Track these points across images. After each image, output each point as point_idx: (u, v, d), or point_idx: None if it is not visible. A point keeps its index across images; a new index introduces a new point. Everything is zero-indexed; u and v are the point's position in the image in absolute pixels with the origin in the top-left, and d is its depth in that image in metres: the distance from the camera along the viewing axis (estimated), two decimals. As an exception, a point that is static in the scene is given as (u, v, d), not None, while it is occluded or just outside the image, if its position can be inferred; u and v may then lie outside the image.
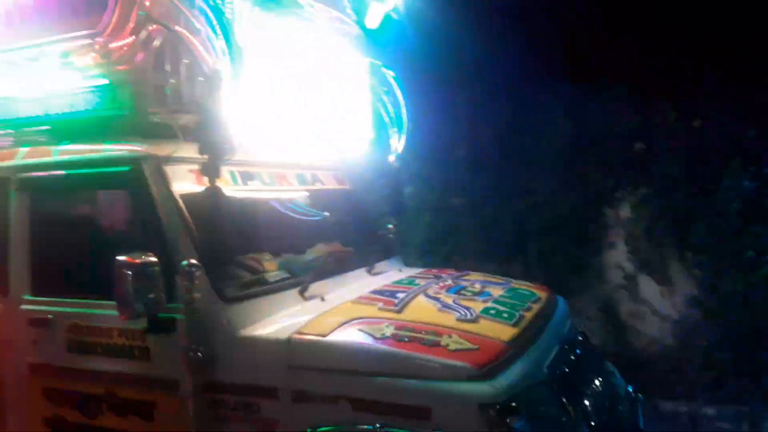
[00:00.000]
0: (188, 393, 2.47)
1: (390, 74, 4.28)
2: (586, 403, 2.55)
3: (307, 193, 3.71)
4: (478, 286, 3.25)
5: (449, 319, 2.62)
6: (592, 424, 2.55)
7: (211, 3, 2.49)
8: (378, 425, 2.17)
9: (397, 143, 4.29)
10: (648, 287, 5.37)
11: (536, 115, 5.84)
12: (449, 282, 3.32)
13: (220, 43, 2.47)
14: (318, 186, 3.79)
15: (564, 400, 2.39)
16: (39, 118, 2.96)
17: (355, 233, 3.93)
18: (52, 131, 2.97)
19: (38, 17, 2.86)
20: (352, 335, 2.41)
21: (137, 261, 2.37)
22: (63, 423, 2.84)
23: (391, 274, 3.58)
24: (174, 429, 2.53)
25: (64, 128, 2.92)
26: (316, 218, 3.64)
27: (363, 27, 4.11)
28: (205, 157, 2.49)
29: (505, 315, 2.77)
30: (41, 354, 2.87)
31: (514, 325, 2.67)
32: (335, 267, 3.29)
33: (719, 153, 5.21)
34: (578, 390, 2.64)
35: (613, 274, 5.48)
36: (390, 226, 4.37)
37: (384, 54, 4.40)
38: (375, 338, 2.37)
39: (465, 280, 3.43)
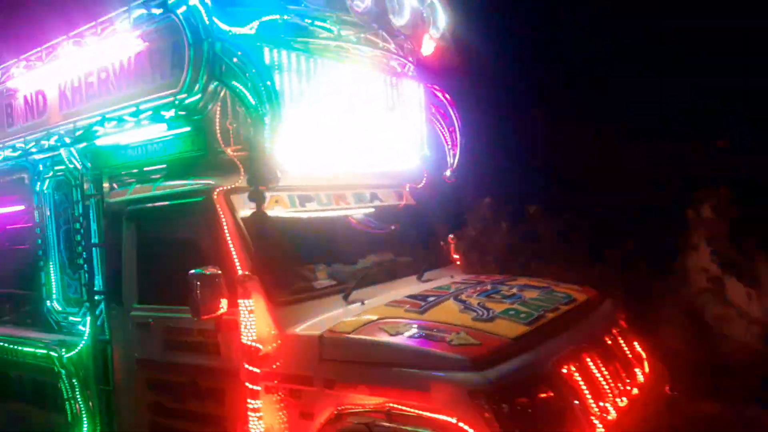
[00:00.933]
0: (249, 382, 3.00)
1: (443, 96, 4.64)
2: (590, 398, 2.71)
3: (364, 210, 4.16)
4: (513, 290, 3.50)
5: (466, 319, 2.94)
6: (605, 416, 2.72)
7: (258, 64, 3.05)
8: (389, 407, 2.54)
9: (452, 159, 4.63)
10: (734, 289, 5.16)
11: (614, 121, 5.85)
12: (487, 287, 3.60)
13: (263, 92, 3.01)
14: (376, 203, 4.23)
15: (561, 392, 2.60)
16: (141, 162, 3.72)
17: (411, 244, 4.31)
18: (151, 171, 3.71)
19: (135, 82, 3.60)
20: (371, 333, 2.81)
21: (205, 273, 2.97)
22: (162, 408, 3.51)
23: (439, 280, 3.91)
24: (241, 412, 3.07)
25: (159, 168, 3.64)
26: (371, 231, 4.08)
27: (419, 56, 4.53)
28: (259, 185, 3.04)
29: (523, 315, 3.03)
30: (144, 351, 3.58)
31: (528, 324, 2.92)
32: (384, 275, 3.71)
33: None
34: (590, 385, 2.81)
35: (697, 277, 5.32)
36: (450, 236, 4.71)
37: (447, 77, 4.78)
38: (389, 335, 2.76)
39: (505, 284, 3.68)
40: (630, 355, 3.35)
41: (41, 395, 4.08)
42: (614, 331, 3.39)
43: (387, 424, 2.54)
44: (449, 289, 3.55)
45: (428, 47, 4.49)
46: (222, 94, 3.27)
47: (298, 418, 2.86)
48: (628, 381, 3.12)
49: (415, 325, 2.85)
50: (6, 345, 4.35)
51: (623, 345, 3.37)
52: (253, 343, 2.99)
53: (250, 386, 2.99)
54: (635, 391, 3.10)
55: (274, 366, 2.98)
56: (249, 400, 2.99)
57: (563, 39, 5.64)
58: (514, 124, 6.17)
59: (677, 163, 5.40)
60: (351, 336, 2.82)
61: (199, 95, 3.19)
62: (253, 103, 3.02)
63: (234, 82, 3.11)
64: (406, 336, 2.74)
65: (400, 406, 2.53)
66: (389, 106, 4.17)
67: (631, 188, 5.58)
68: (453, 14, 4.40)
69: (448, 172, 4.60)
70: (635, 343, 3.62)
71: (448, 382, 2.47)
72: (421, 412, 2.48)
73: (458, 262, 4.59)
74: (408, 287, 3.66)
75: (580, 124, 5.96)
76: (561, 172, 5.96)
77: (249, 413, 2.99)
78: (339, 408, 2.70)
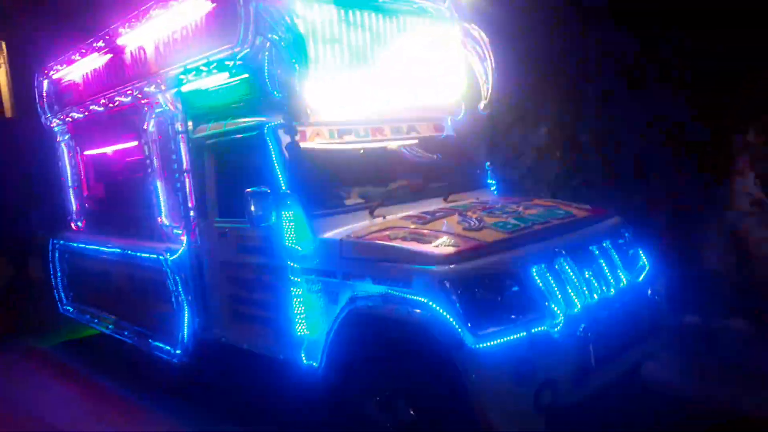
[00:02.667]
0: (293, 275, 3.88)
1: (479, 32, 5.04)
2: (556, 293, 3.27)
3: (401, 141, 4.78)
4: (518, 207, 4.05)
5: (458, 228, 3.57)
6: (568, 308, 3.28)
7: (288, 21, 3.72)
8: (386, 289, 3.28)
9: (486, 93, 5.08)
10: (777, 213, 5.24)
11: (662, 46, 5.89)
12: (497, 205, 4.17)
13: (293, 44, 3.71)
14: (413, 134, 4.84)
15: (525, 286, 3.19)
16: (216, 103, 4.59)
17: (445, 170, 4.90)
18: (224, 111, 4.56)
19: (206, 38, 4.40)
20: (377, 237, 3.53)
21: (257, 191, 3.81)
22: (238, 298, 4.51)
23: (463, 201, 4.50)
24: (288, 300, 3.95)
25: (229, 108, 4.49)
26: (406, 159, 4.72)
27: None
28: (294, 121, 3.80)
29: (510, 226, 3.60)
30: (224, 254, 4.56)
31: (509, 232, 3.49)
32: (411, 196, 4.38)
33: None
34: (571, 283, 3.37)
35: (741, 201, 5.44)
36: (487, 164, 5.23)
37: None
38: (389, 238, 3.46)
39: (517, 204, 4.22)
40: (618, 263, 3.79)
41: (155, 289, 5.26)
42: (606, 242, 3.83)
43: (384, 304, 3.29)
44: (464, 208, 4.15)
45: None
46: (268, 45, 3.99)
47: (327, 302, 3.69)
48: (606, 284, 3.60)
49: (413, 232, 3.53)
50: (131, 252, 5.59)
51: (614, 254, 3.81)
52: (294, 246, 3.84)
53: (294, 278, 3.87)
54: (611, 292, 3.59)
55: (311, 263, 3.80)
56: (293, 289, 3.87)
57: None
58: (564, 53, 6.34)
59: (724, 89, 5.40)
60: (361, 239, 3.56)
61: (249, 48, 3.93)
62: (286, 53, 3.73)
63: (273, 36, 3.82)
64: (402, 239, 3.43)
65: (392, 292, 3.26)
66: (425, 45, 4.70)
67: (681, 114, 5.67)
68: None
69: (482, 105, 5.06)
70: (635, 254, 4.05)
71: (425, 272, 3.15)
72: (406, 295, 3.19)
73: (493, 187, 5.13)
74: (430, 206, 4.30)
75: (637, 51, 6.03)
76: (612, 98, 6.12)
77: (293, 299, 3.88)
78: (353, 294, 3.49)
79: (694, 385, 4.48)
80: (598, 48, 6.22)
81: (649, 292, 3.79)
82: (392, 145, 4.74)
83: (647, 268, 4.05)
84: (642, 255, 4.12)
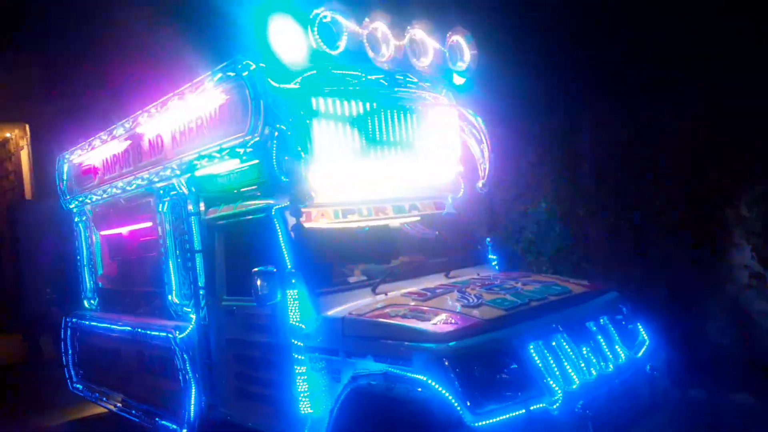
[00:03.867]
0: (297, 353, 3.97)
1: (474, 117, 5.33)
2: (554, 370, 3.34)
3: (402, 219, 4.98)
4: (516, 284, 4.17)
5: (456, 306, 3.68)
6: (567, 385, 3.33)
7: (294, 111, 4.02)
8: (387, 367, 3.36)
9: (483, 172, 5.31)
10: (777, 285, 5.31)
11: (652, 123, 6.16)
12: (496, 281, 4.30)
13: (298, 133, 3.99)
14: (414, 212, 5.04)
15: (524, 363, 3.26)
16: (227, 186, 4.85)
17: (446, 247, 5.06)
18: (234, 194, 4.80)
19: (219, 127, 4.70)
20: (378, 315, 3.65)
21: (263, 270, 3.97)
22: (244, 376, 4.58)
23: (463, 277, 4.63)
24: (292, 379, 4.02)
25: (239, 192, 4.73)
26: (407, 237, 4.90)
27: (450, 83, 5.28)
28: (299, 203, 4.01)
29: (507, 303, 3.71)
30: (231, 332, 4.68)
31: (507, 309, 3.60)
32: (413, 272, 4.53)
33: None
34: (569, 360, 3.44)
35: (739, 274, 5.52)
36: (488, 239, 5.39)
37: (480, 97, 5.48)
38: (390, 316, 3.58)
39: (515, 280, 4.34)
40: (617, 339, 3.86)
41: (163, 367, 5.34)
42: (604, 318, 3.91)
43: (384, 383, 3.36)
44: (464, 284, 4.28)
45: (458, 79, 5.24)
46: (276, 134, 4.27)
47: (330, 380, 3.76)
48: (605, 360, 3.66)
49: (414, 310, 3.65)
50: (141, 330, 5.71)
51: (612, 330, 3.89)
52: (298, 324, 3.96)
53: (298, 356, 3.96)
54: (610, 368, 3.64)
55: (314, 341, 3.90)
56: (297, 367, 3.96)
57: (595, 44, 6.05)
58: (558, 133, 6.64)
59: (718, 164, 5.61)
60: (363, 317, 3.68)
61: (259, 136, 4.21)
62: (292, 141, 4.00)
63: (280, 126, 4.10)
64: (402, 316, 3.55)
65: (392, 370, 3.35)
66: (425, 129, 4.98)
67: (674, 189, 5.86)
68: (478, 48, 5.11)
69: (480, 184, 5.28)
70: (634, 329, 4.12)
71: (424, 350, 3.25)
72: (406, 373, 3.27)
73: (494, 263, 5.27)
74: (432, 282, 4.43)
75: (630, 131, 6.31)
76: (607, 177, 6.34)
77: (297, 377, 3.95)
78: (355, 372, 3.57)
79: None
80: (591, 127, 6.50)
81: (649, 367, 3.84)
82: (394, 223, 4.93)
83: (647, 343, 4.11)
84: (641, 330, 4.18)
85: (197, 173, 4.98)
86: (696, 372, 5.10)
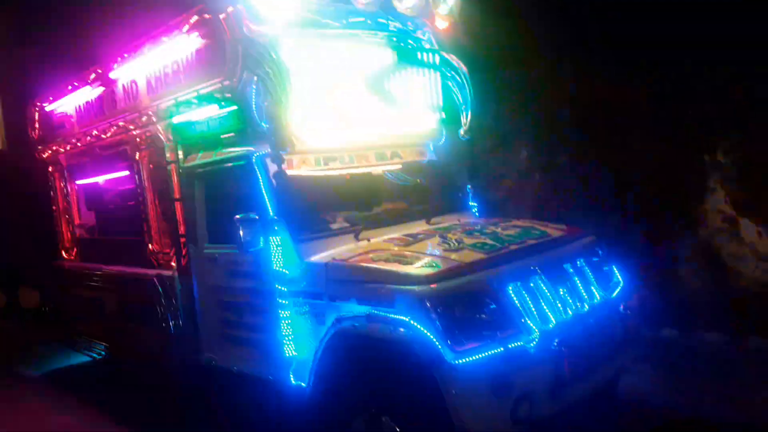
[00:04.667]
0: (281, 298, 4.02)
1: (457, 62, 5.26)
2: (532, 310, 3.44)
3: (385, 167, 4.96)
4: (496, 228, 4.24)
5: (439, 249, 3.74)
6: (543, 324, 3.44)
7: (274, 55, 3.93)
8: (370, 310, 3.43)
9: (466, 119, 5.29)
10: (747, 229, 5.47)
11: (632, 71, 6.17)
12: (477, 226, 4.36)
13: (278, 78, 3.91)
14: (396, 160, 5.03)
15: (502, 303, 3.36)
16: (206, 134, 4.77)
17: (428, 194, 5.09)
18: (213, 141, 4.74)
19: (196, 72, 4.59)
20: (362, 260, 3.70)
21: (246, 217, 3.96)
22: (228, 322, 4.63)
23: (445, 223, 4.68)
24: (277, 323, 4.08)
25: (219, 139, 4.66)
26: (390, 184, 4.90)
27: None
28: (280, 151, 3.98)
29: (487, 247, 3.78)
30: (213, 279, 4.70)
31: (487, 252, 3.67)
32: (395, 219, 4.56)
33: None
34: (546, 300, 3.55)
35: (713, 218, 5.67)
36: (468, 186, 5.43)
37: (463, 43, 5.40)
38: (373, 261, 3.63)
39: (495, 225, 4.40)
40: (593, 280, 3.97)
41: (146, 315, 5.35)
42: (580, 261, 4.01)
43: (367, 325, 3.44)
44: (445, 229, 4.33)
45: (441, 23, 5.15)
46: (255, 79, 4.18)
47: (315, 323, 3.83)
48: (580, 300, 3.78)
49: (396, 254, 3.70)
50: (122, 279, 5.72)
51: (588, 272, 4.00)
52: (282, 269, 3.99)
53: (282, 301, 4.01)
54: (585, 308, 3.76)
55: (298, 286, 3.95)
56: (281, 311, 4.01)
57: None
58: (539, 81, 6.63)
59: (695, 110, 5.67)
60: (346, 262, 3.73)
61: (237, 81, 4.13)
62: (272, 86, 3.93)
63: (259, 71, 4.02)
64: (385, 261, 3.60)
65: (376, 312, 3.42)
66: (407, 74, 4.92)
67: (652, 136, 5.92)
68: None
69: (462, 131, 5.27)
70: (610, 271, 4.24)
71: (407, 292, 3.31)
72: (389, 315, 3.35)
73: (474, 209, 5.32)
74: (414, 228, 4.47)
75: (609, 78, 6.31)
76: (587, 124, 6.37)
77: (282, 321, 4.02)
78: (339, 314, 3.63)
79: (671, 397, 4.65)
80: (572, 76, 6.49)
81: (623, 307, 3.97)
82: (377, 170, 4.92)
83: (621, 284, 4.23)
84: (616, 272, 4.30)
85: (175, 120, 4.89)
86: (669, 312, 5.29)
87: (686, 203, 5.79)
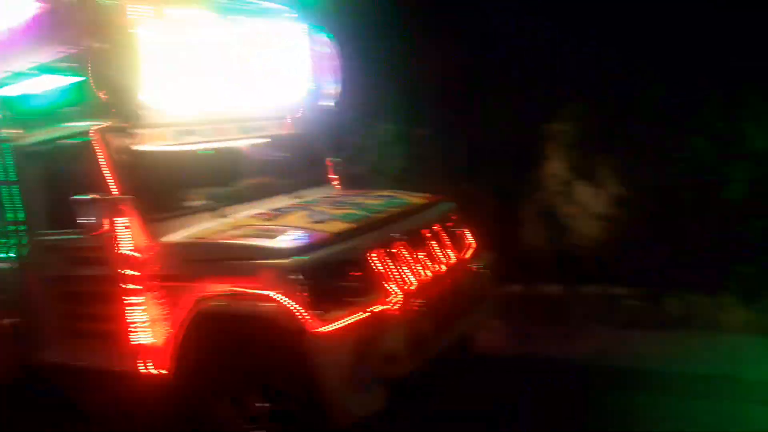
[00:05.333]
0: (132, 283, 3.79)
1: (321, 33, 5.22)
2: (394, 274, 3.61)
3: (246, 140, 4.85)
4: (360, 199, 4.35)
5: (305, 222, 3.77)
6: (406, 287, 3.63)
7: (119, 24, 3.66)
8: (231, 291, 3.38)
9: (331, 92, 5.29)
10: (582, 190, 6.09)
11: (481, 47, 6.55)
12: (343, 198, 4.45)
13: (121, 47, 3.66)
14: (258, 133, 4.93)
15: (367, 271, 3.48)
16: (45, 108, 4.33)
17: (291, 168, 5.06)
18: (53, 116, 4.31)
19: (32, 40, 4.13)
20: (221, 237, 3.62)
21: (85, 198, 3.67)
22: (73, 314, 4.28)
23: (310, 197, 4.70)
24: (128, 309, 3.83)
25: (60, 113, 4.25)
26: (251, 158, 4.82)
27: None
28: (126, 124, 3.75)
29: (353, 216, 3.87)
30: (54, 269, 4.31)
31: (353, 222, 3.77)
32: (258, 194, 4.50)
33: (637, 66, 5.73)
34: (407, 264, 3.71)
35: (552, 182, 6.24)
36: (336, 160, 5.48)
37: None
38: (235, 237, 3.58)
39: (360, 196, 4.52)
40: (449, 243, 4.24)
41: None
42: (437, 226, 4.25)
43: (230, 302, 3.38)
44: (310, 202, 4.37)
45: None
46: (99, 48, 3.86)
47: (172, 307, 3.66)
48: (438, 262, 4.02)
49: (259, 229, 3.68)
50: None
51: (444, 236, 4.25)
52: (131, 252, 3.77)
53: (132, 286, 3.77)
54: (443, 268, 4.02)
55: (152, 269, 3.75)
56: (132, 299, 3.77)
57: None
58: (402, 54, 6.81)
59: (541, 83, 6.18)
60: (206, 240, 3.63)
61: (80, 50, 3.79)
62: (117, 56, 3.67)
63: (104, 39, 3.72)
64: (247, 236, 3.57)
65: (239, 289, 3.38)
66: (269, 45, 4.78)
67: (503, 108, 6.36)
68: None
69: (328, 102, 5.27)
70: (462, 235, 4.55)
71: (271, 266, 3.31)
72: (253, 291, 3.32)
73: (336, 182, 5.40)
74: (278, 203, 4.44)
75: (465, 53, 6.65)
76: (444, 97, 6.69)
77: (132, 310, 3.77)
78: (198, 296, 3.52)
79: (519, 345, 5.15)
80: (434, 52, 6.75)
81: (476, 267, 4.29)
82: (238, 144, 4.80)
83: (474, 246, 4.57)
84: (469, 235, 4.62)
85: (8, 93, 4.40)
86: (515, 269, 5.79)
87: (529, 169, 6.31)
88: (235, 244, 3.53)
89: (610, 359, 4.82)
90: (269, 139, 5.03)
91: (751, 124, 5.29)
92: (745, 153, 5.32)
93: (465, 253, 4.38)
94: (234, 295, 3.37)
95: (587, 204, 6.08)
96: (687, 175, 5.54)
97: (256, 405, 3.41)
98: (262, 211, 4.13)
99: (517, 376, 4.56)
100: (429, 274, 3.88)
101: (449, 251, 4.20)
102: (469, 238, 4.60)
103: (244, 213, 4.14)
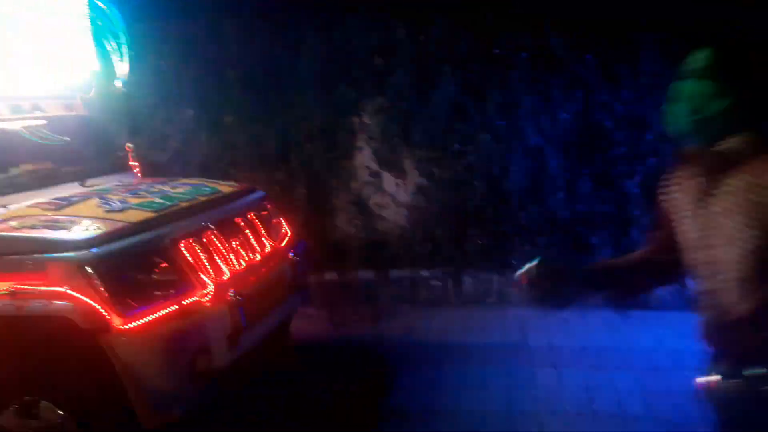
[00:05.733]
0: None
1: (108, 9, 4.77)
2: (205, 265, 3.43)
3: (22, 121, 4.23)
4: (164, 187, 4.05)
5: (99, 212, 3.40)
6: (218, 277, 3.46)
7: None
8: (12, 288, 2.93)
9: (121, 70, 4.86)
10: (389, 181, 6.39)
11: (294, 39, 6.51)
12: (142, 186, 4.09)
13: None
14: (37, 114, 4.33)
15: (175, 262, 3.26)
16: None
17: (78, 153, 4.53)
18: None
19: None
20: (-3, 229, 3.12)
21: None
22: None
23: (103, 185, 4.25)
24: None
25: None
26: (30, 142, 4.21)
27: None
28: None
29: (156, 205, 3.59)
30: None
31: (155, 211, 3.49)
32: (40, 182, 3.95)
33: (436, 61, 6.16)
34: (220, 254, 3.55)
35: (362, 173, 6.44)
36: (128, 144, 5.03)
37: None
38: (15, 229, 3.11)
39: (162, 184, 4.20)
40: (262, 232, 4.15)
41: None
42: (251, 215, 4.14)
43: (12, 301, 2.93)
44: (104, 190, 3.94)
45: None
46: None
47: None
48: (251, 251, 3.92)
49: (46, 220, 3.23)
50: None
51: (258, 225, 4.15)
52: None
53: None
54: (257, 257, 3.92)
55: None
56: None
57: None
58: (203, 36, 6.50)
59: (348, 77, 6.33)
60: (-24, 234, 3.10)
61: None
62: None
63: None
64: (31, 228, 3.11)
65: (22, 286, 2.94)
66: (48, 19, 4.23)
67: (313, 99, 6.39)
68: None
69: (118, 83, 4.83)
70: (276, 224, 4.49)
71: (61, 260, 2.94)
72: (40, 288, 2.92)
73: (137, 170, 4.97)
74: (65, 192, 3.94)
75: (274, 41, 6.54)
76: (253, 85, 6.52)
77: None
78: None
79: (335, 330, 5.28)
80: (237, 34, 6.53)
81: (291, 255, 4.26)
82: (12, 126, 4.16)
83: (289, 234, 4.54)
84: (284, 224, 4.58)
85: None
86: (330, 257, 5.90)
87: (341, 160, 6.46)
88: (14, 236, 3.06)
89: (417, 336, 5.15)
90: (52, 122, 4.44)
91: (526, 123, 6.02)
92: (522, 148, 6.04)
93: (279, 242, 4.33)
94: (16, 294, 2.92)
95: (394, 194, 6.40)
96: (477, 167, 6.13)
97: (49, 415, 3.00)
98: (46, 200, 3.63)
99: (335, 358, 4.65)
100: (243, 263, 3.75)
101: (263, 240, 4.11)
102: (284, 226, 4.56)
103: (24, 203, 3.61)
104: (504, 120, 6.08)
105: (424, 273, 6.10)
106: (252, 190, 4.52)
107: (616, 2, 5.52)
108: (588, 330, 4.75)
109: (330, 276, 5.99)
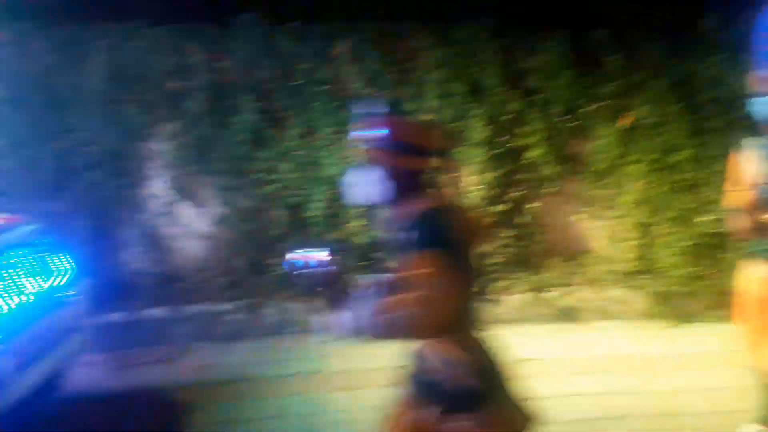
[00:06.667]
0: None
1: None
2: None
3: None
4: None
5: None
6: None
7: None
8: None
9: None
10: (185, 211, 6.14)
11: (76, 54, 6.00)
12: None
13: None
14: None
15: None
16: None
17: None
18: None
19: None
20: None
21: None
22: None
23: None
24: None
25: None
26: None
27: None
28: None
29: None
30: None
31: None
32: None
33: (235, 90, 6.12)
34: None
35: (155, 203, 6.11)
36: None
37: None
38: None
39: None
40: (38, 269, 3.73)
41: None
42: (24, 249, 3.69)
43: None
44: None
45: None
46: None
47: None
48: (24, 291, 3.49)
49: None
50: None
51: (31, 261, 3.72)
52: None
53: None
54: (30, 298, 3.51)
55: None
56: None
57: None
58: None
59: (138, 100, 5.99)
60: None
61: None
62: None
63: None
64: None
65: None
66: None
67: (95, 123, 5.91)
68: None
69: None
70: (57, 260, 4.06)
71: None
72: None
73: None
74: None
75: (52, 57, 5.96)
76: (25, 105, 5.85)
77: None
78: None
79: (119, 376, 4.87)
80: (12, 48, 5.85)
81: (70, 294, 3.88)
82: None
83: (69, 272, 4.13)
84: (63, 260, 4.16)
85: None
86: (117, 295, 5.46)
87: (130, 189, 6.06)
88: None
89: (213, 373, 4.98)
90: None
91: (324, 152, 6.16)
92: (321, 177, 6.16)
93: (55, 281, 3.92)
94: None
95: (190, 224, 6.17)
96: (277, 195, 6.13)
97: None
98: None
99: (117, 408, 4.28)
100: (13, 304, 3.33)
101: (39, 278, 3.69)
102: (65, 262, 4.14)
103: None
104: (303, 149, 6.15)
105: (223, 306, 5.94)
106: (24, 223, 4.05)
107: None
108: (388, 352, 5.00)
109: (118, 316, 5.53)
